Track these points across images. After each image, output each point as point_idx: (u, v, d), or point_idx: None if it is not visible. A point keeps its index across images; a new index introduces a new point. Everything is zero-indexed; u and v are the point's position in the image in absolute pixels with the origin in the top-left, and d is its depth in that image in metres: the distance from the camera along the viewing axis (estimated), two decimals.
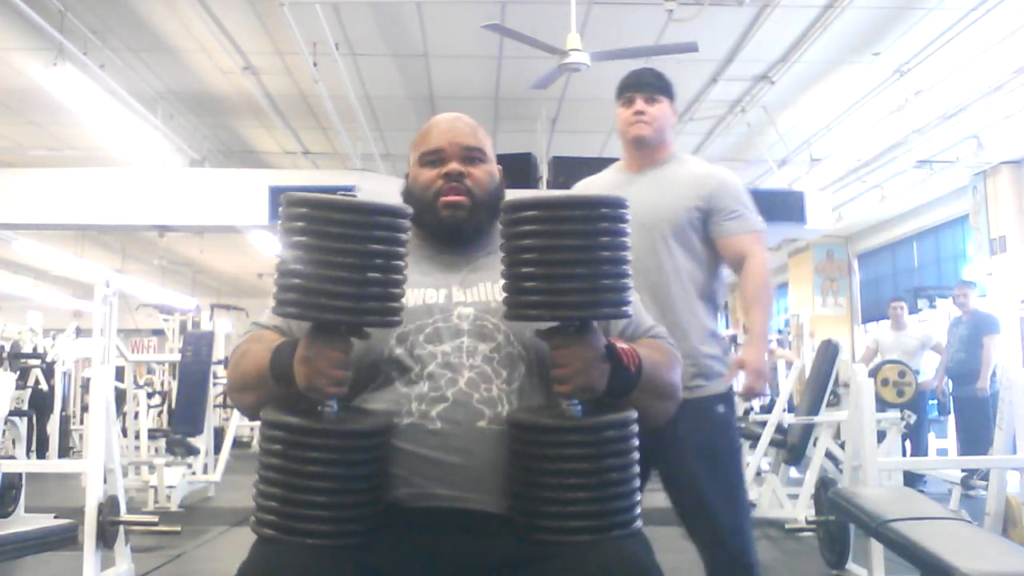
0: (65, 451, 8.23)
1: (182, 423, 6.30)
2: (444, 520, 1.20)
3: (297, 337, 1.23)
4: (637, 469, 1.19)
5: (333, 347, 1.15)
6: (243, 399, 1.29)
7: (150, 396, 8.04)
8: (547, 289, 1.15)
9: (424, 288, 1.32)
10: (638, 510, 1.19)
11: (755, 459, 4.95)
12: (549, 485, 1.14)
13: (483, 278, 1.35)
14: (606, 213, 1.18)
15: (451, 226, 1.36)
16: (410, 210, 1.22)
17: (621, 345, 1.23)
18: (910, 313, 7.25)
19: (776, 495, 4.87)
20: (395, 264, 1.18)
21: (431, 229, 1.38)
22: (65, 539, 3.04)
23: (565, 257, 1.15)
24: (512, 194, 1.33)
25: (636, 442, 1.19)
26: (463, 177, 1.36)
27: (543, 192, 1.43)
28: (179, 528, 4.03)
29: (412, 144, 1.44)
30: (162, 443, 6.52)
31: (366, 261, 1.14)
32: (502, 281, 1.25)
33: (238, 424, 7.01)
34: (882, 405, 5.04)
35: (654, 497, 6.39)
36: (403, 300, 1.21)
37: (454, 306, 1.31)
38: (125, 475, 4.88)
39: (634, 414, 1.20)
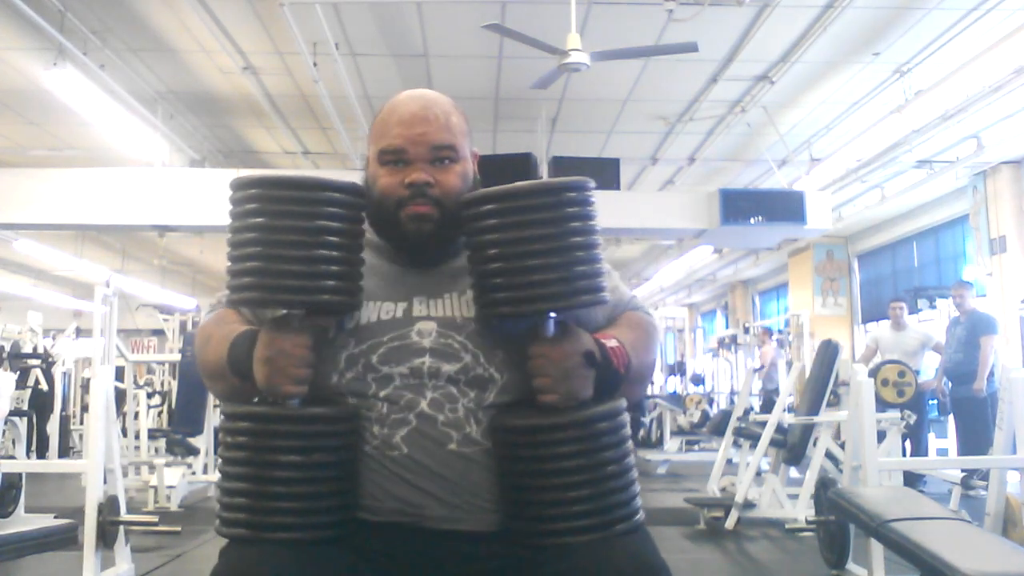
0: (65, 451, 8.24)
1: (182, 423, 6.29)
2: (424, 536, 1.15)
3: (251, 321, 1.20)
4: (633, 459, 1.15)
5: (294, 344, 1.09)
6: (213, 387, 1.23)
7: (150, 396, 8.04)
8: (515, 284, 1.08)
9: (380, 302, 1.19)
10: (639, 502, 1.14)
11: (755, 459, 4.94)
12: (543, 487, 1.09)
13: (448, 288, 1.21)
14: (572, 197, 1.11)
15: (415, 240, 1.18)
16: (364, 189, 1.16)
17: (611, 344, 1.15)
18: (910, 313, 7.26)
19: (776, 495, 4.88)
20: (357, 243, 1.13)
21: (392, 241, 1.22)
22: (65, 539, 3.04)
23: (532, 248, 1.08)
24: None
25: (628, 431, 1.15)
26: (429, 187, 1.16)
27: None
28: (179, 528, 4.03)
29: (371, 130, 1.23)
30: (162, 443, 6.52)
31: (324, 239, 1.09)
32: (469, 292, 1.17)
33: None
34: (882, 405, 5.03)
35: (654, 497, 6.39)
36: (358, 310, 1.16)
37: (413, 321, 1.18)
38: (125, 475, 4.88)
39: (623, 403, 1.15)
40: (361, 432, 1.15)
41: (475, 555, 1.16)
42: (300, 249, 1.08)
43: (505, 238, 1.09)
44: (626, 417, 1.15)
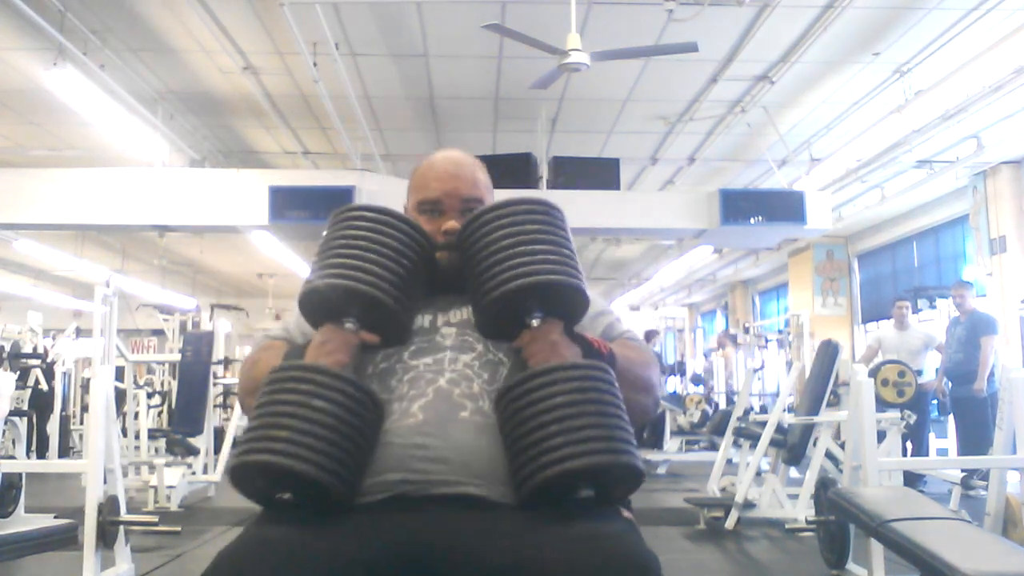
0: (65, 451, 8.24)
1: (182, 423, 6.29)
2: (428, 503, 1.20)
3: (303, 346, 1.36)
4: (612, 410, 1.20)
5: (345, 338, 1.29)
6: (252, 402, 1.33)
7: (150, 396, 8.04)
8: (496, 272, 1.26)
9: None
10: (627, 448, 1.19)
11: (755, 459, 4.94)
12: (529, 429, 1.18)
13: (466, 303, 1.38)
14: (533, 208, 1.33)
15: (446, 274, 1.40)
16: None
17: (589, 336, 1.34)
18: (911, 313, 7.26)
19: (776, 495, 4.88)
20: (419, 278, 1.35)
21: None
22: (65, 539, 3.04)
23: (503, 244, 1.28)
24: None
25: (607, 386, 1.22)
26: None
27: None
28: (179, 528, 4.03)
29: (411, 183, 1.46)
30: (162, 443, 6.52)
31: (412, 265, 1.32)
32: None
33: (238, 424, 7.00)
34: (882, 405, 5.03)
35: (654, 497, 6.38)
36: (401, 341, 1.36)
37: (438, 328, 1.37)
38: (125, 475, 4.88)
39: (604, 366, 1.25)
40: (381, 416, 1.26)
41: (476, 520, 1.18)
42: (380, 255, 1.29)
43: (482, 244, 1.30)
44: (605, 375, 1.24)
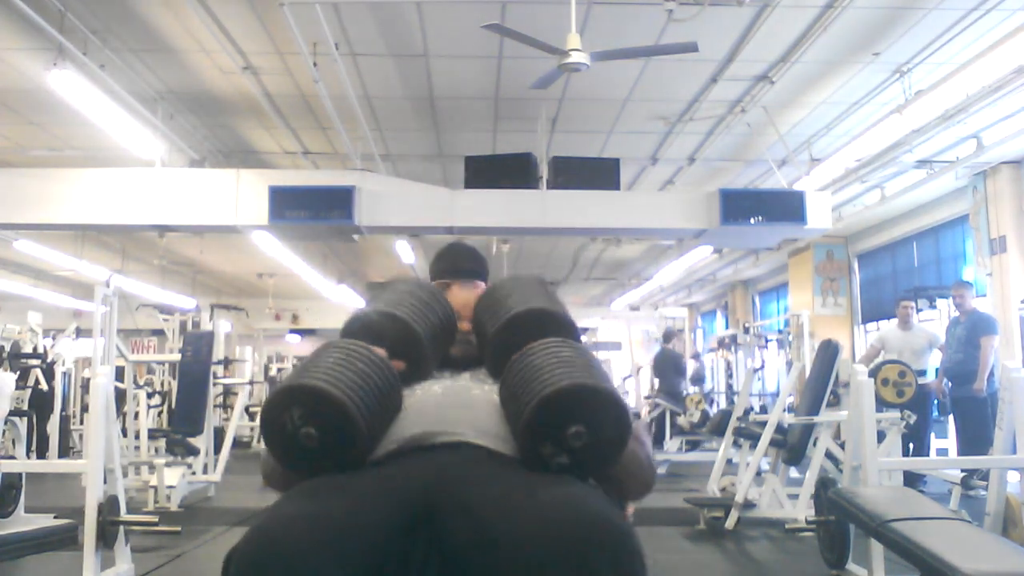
0: (65, 451, 8.25)
1: (182, 423, 6.30)
2: (435, 451, 1.36)
3: None
4: (598, 369, 1.42)
5: (378, 351, 1.48)
6: None
7: (150, 396, 8.04)
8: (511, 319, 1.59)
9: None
10: (605, 381, 1.37)
11: (755, 459, 4.95)
12: (521, 382, 1.39)
13: (474, 366, 1.67)
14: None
15: (457, 363, 1.68)
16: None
17: None
18: None
19: (776, 495, 4.88)
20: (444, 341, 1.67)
21: None
22: (65, 539, 3.05)
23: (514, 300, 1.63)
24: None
25: (591, 356, 1.45)
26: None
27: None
28: (179, 528, 4.03)
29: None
30: (162, 443, 6.52)
31: (438, 320, 1.65)
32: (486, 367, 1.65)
33: (238, 424, 7.01)
34: (882, 405, 5.04)
35: (654, 497, 6.37)
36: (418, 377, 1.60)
37: (453, 374, 1.63)
38: (125, 475, 4.89)
39: (586, 346, 1.52)
40: (400, 399, 1.46)
41: (473, 465, 1.32)
42: (419, 304, 1.63)
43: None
44: (585, 348, 1.49)
